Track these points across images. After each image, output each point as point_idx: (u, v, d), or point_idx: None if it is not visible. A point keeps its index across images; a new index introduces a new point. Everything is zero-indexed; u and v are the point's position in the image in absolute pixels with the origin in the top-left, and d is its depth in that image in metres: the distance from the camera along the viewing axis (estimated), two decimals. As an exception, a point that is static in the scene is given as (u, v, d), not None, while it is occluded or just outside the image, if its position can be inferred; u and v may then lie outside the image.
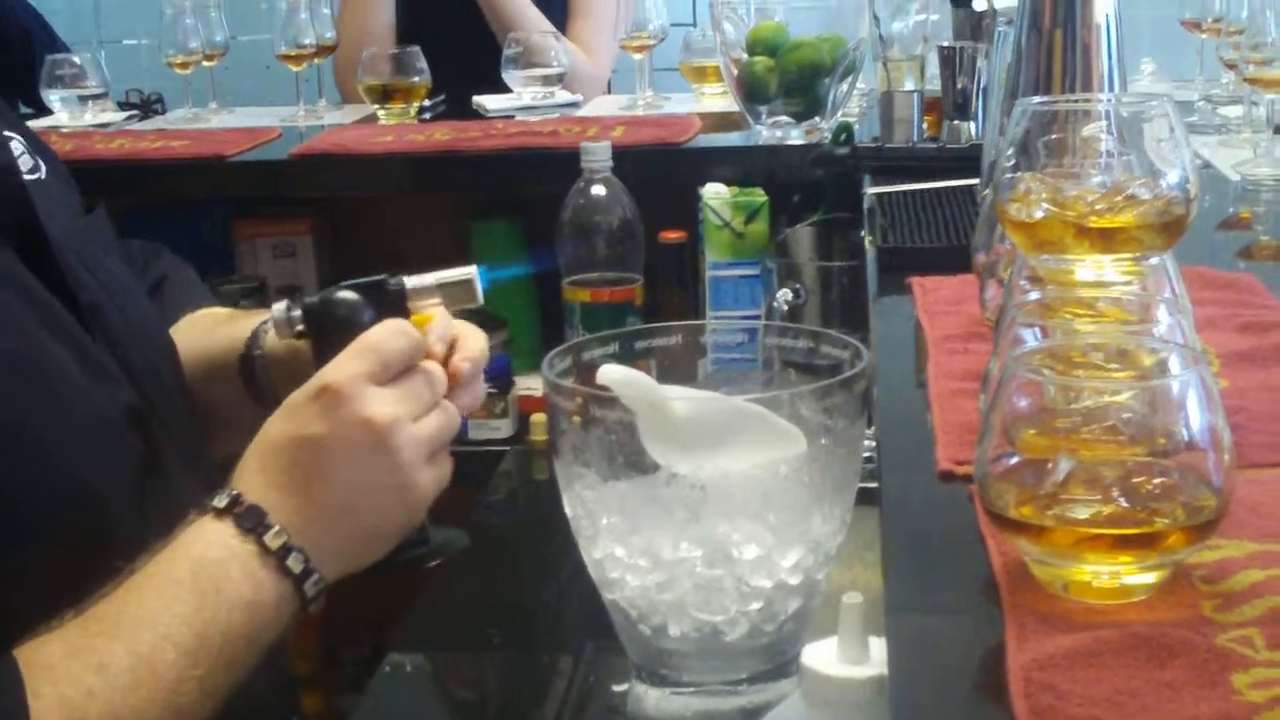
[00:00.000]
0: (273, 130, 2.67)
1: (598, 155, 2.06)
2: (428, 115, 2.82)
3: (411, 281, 1.03)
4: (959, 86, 2.10)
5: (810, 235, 2.14)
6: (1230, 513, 0.80)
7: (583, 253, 2.09)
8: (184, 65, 2.85)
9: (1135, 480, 0.80)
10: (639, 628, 1.18)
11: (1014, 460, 0.82)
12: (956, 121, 2.11)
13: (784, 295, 1.98)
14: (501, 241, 2.43)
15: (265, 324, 1.19)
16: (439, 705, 1.39)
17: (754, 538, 1.15)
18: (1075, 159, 1.03)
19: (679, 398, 1.13)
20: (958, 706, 0.75)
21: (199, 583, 0.93)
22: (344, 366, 0.97)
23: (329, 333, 0.99)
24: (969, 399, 1.10)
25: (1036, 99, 1.05)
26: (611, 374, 1.12)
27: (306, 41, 2.84)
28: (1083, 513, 0.79)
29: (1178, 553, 0.79)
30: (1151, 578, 0.79)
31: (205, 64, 2.88)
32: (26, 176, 1.10)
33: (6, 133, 1.13)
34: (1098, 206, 0.98)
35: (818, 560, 1.18)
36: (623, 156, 2.10)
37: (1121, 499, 0.79)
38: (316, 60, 2.91)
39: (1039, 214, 0.98)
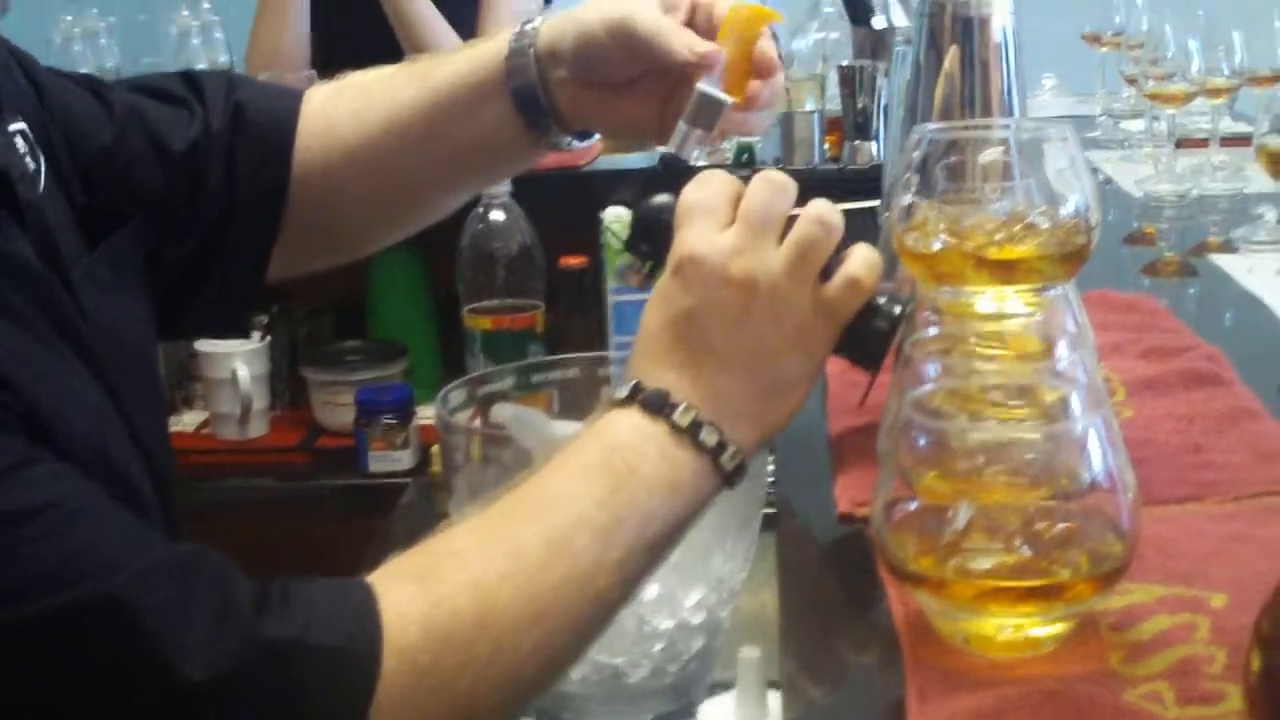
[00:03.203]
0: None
1: (496, 180, 2.02)
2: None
3: (672, 144, 1.03)
4: (860, 106, 2.08)
5: (714, 258, 2.11)
6: (1138, 553, 0.78)
7: (483, 280, 2.05)
8: (74, 92, 2.79)
9: (1038, 526, 0.77)
10: (537, 675, 1.15)
11: (913, 506, 0.79)
12: (858, 141, 2.09)
13: (687, 321, 1.95)
14: (402, 270, 2.38)
15: (522, 37, 1.13)
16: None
17: (655, 576, 1.12)
18: (974, 183, 1.00)
19: (575, 435, 1.10)
20: (858, 772, 0.72)
21: (613, 465, 0.89)
22: (685, 236, 0.93)
23: (669, 238, 0.96)
24: (870, 436, 1.07)
25: (932, 125, 1.03)
26: (504, 413, 1.10)
27: (199, 67, 2.78)
28: (985, 563, 0.76)
29: (1084, 603, 0.76)
30: (1057, 629, 0.76)
31: (96, 91, 2.82)
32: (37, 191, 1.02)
33: (12, 126, 1.03)
34: (997, 236, 0.96)
35: (721, 598, 1.15)
36: (522, 181, 2.05)
37: (1024, 548, 0.76)
38: (211, 85, 2.86)
39: (936, 245, 0.96)
